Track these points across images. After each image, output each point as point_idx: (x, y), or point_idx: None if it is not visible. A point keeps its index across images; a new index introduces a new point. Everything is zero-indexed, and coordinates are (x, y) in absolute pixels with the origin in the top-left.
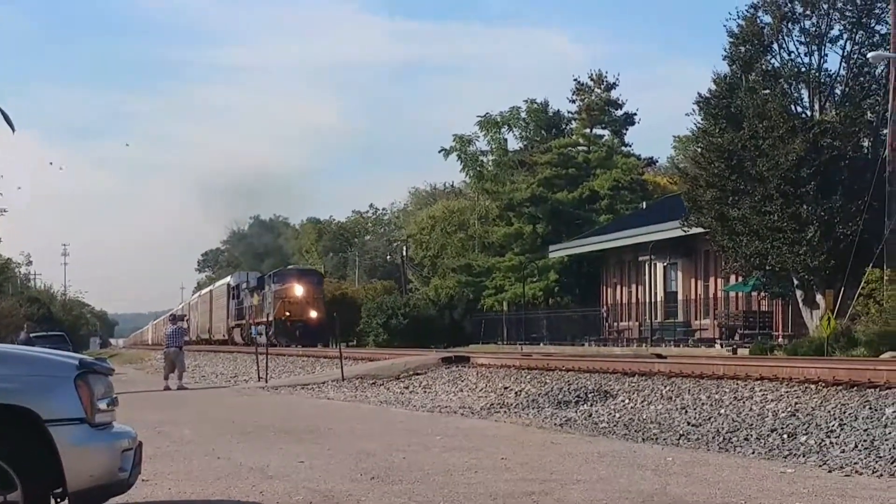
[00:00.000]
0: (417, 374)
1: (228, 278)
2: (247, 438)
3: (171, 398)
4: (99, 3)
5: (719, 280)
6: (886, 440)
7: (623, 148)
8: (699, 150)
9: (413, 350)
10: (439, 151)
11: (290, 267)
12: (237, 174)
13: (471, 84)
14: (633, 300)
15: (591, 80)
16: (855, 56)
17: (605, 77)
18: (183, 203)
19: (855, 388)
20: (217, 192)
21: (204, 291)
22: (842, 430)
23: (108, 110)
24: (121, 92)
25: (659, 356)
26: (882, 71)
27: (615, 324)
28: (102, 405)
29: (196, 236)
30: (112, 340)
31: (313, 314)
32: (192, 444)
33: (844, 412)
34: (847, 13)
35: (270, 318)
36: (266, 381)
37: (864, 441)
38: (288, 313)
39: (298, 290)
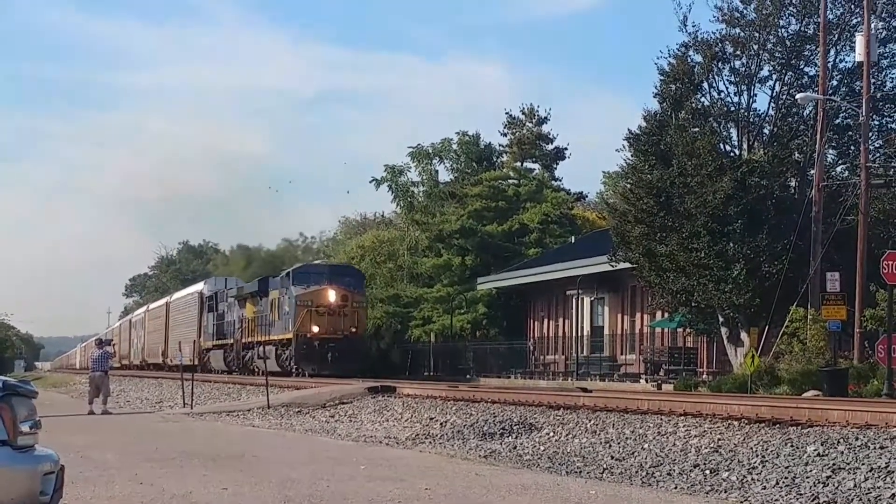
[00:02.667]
0: (343, 403)
1: (199, 286)
2: (170, 464)
3: (96, 423)
4: (9, 24)
5: (645, 315)
6: (807, 478)
7: (553, 182)
8: (628, 186)
9: (338, 380)
10: (370, 181)
11: (316, 262)
12: (161, 199)
13: (400, 115)
14: (560, 334)
15: (523, 114)
16: (784, 97)
17: (537, 111)
18: (107, 226)
19: (777, 425)
20: (138, 216)
21: (154, 306)
22: (763, 466)
23: (20, 133)
24: (34, 115)
25: (584, 390)
26: (810, 112)
27: (542, 357)
28: (25, 428)
29: (123, 260)
30: (38, 364)
31: (353, 329)
32: (115, 469)
33: (766, 449)
34: (776, 54)
35: (287, 336)
36: (191, 408)
37: (786, 478)
38: (317, 328)
39: (333, 295)
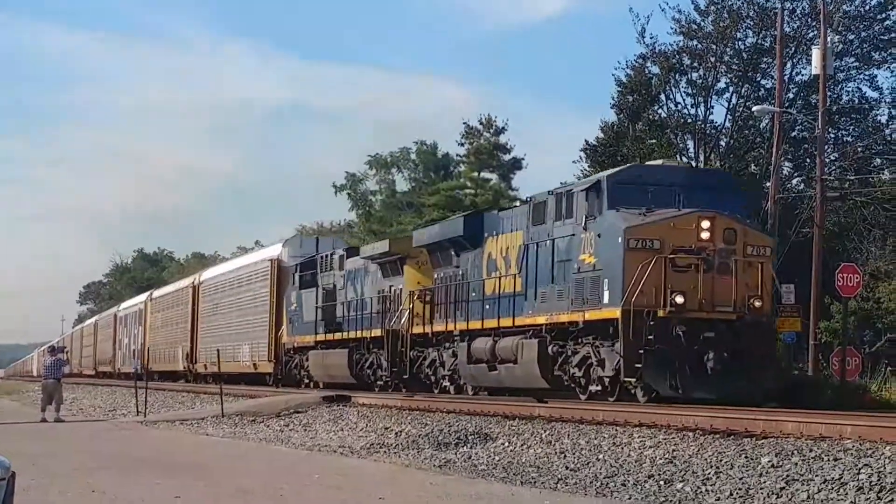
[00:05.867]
0: (298, 412)
1: (269, 250)
2: (123, 473)
3: (48, 430)
4: None
5: None
6: (761, 489)
7: (510, 192)
8: None
9: (293, 389)
10: (332, 186)
11: (655, 164)
12: (117, 211)
13: (356, 126)
14: None
15: (481, 123)
16: (740, 109)
17: (495, 121)
18: (60, 237)
19: (732, 436)
20: (95, 229)
21: (166, 291)
22: (718, 477)
23: None
24: None
25: (540, 400)
26: (766, 124)
27: None
28: None
29: (76, 269)
30: None
31: (756, 303)
32: (67, 477)
33: (721, 460)
34: (733, 67)
35: (584, 315)
36: (145, 416)
37: (740, 489)
38: (681, 298)
39: (707, 227)
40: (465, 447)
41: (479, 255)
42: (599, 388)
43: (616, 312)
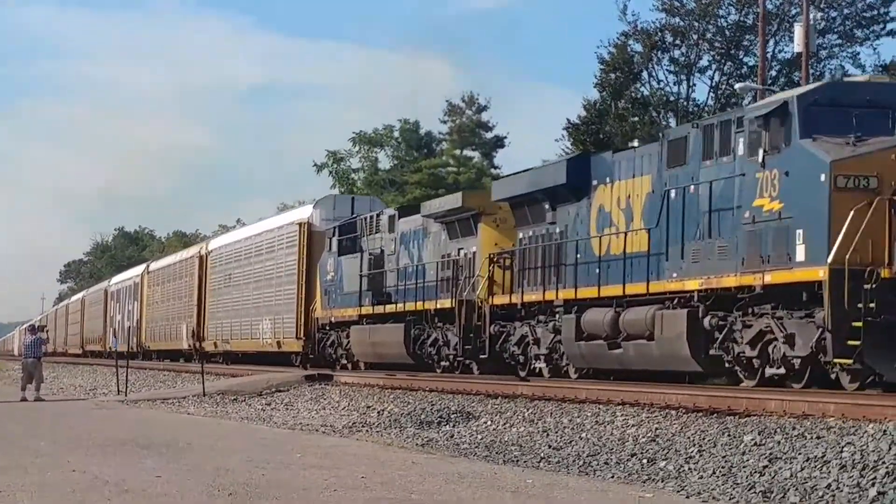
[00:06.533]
0: (280, 391)
1: (298, 212)
2: (103, 452)
3: (28, 410)
4: None
5: None
6: (744, 467)
7: (493, 170)
8: None
9: (275, 367)
10: (313, 166)
11: (859, 79)
12: (97, 189)
13: (340, 104)
14: None
15: (463, 101)
16: (723, 87)
17: (477, 99)
18: (38, 216)
19: (715, 415)
20: (75, 206)
21: (169, 260)
22: (700, 456)
23: None
24: None
25: (523, 378)
26: (749, 102)
27: None
28: None
29: (55, 248)
30: None
31: None
32: (47, 456)
33: (704, 438)
34: (716, 44)
35: (783, 275)
36: (126, 395)
37: (722, 467)
38: None
39: None
40: (447, 426)
41: (586, 207)
42: (782, 370)
43: (818, 272)
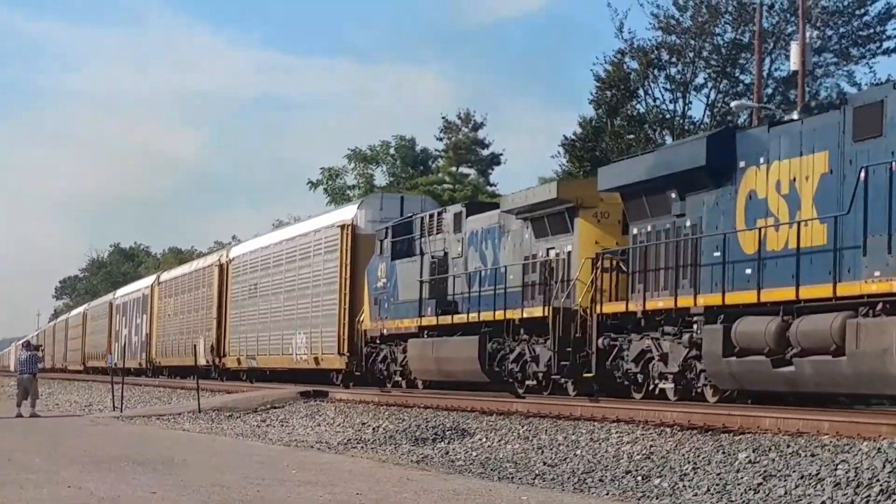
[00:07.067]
0: (275, 407)
1: (339, 214)
2: (99, 468)
3: (23, 426)
4: None
5: None
6: (738, 484)
7: (488, 187)
8: None
9: (270, 384)
10: (307, 184)
11: None
12: (92, 200)
13: (335, 120)
14: None
15: (459, 118)
16: (719, 104)
17: (473, 116)
18: (35, 227)
19: (709, 432)
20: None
21: (184, 269)
22: (695, 473)
23: None
24: None
25: (516, 395)
26: (745, 120)
27: None
28: None
29: (50, 264)
30: None
31: None
32: (42, 472)
33: (698, 456)
34: (712, 62)
35: None
36: (121, 411)
37: (717, 485)
38: None
39: None
40: (442, 443)
41: (730, 194)
42: None
43: None
